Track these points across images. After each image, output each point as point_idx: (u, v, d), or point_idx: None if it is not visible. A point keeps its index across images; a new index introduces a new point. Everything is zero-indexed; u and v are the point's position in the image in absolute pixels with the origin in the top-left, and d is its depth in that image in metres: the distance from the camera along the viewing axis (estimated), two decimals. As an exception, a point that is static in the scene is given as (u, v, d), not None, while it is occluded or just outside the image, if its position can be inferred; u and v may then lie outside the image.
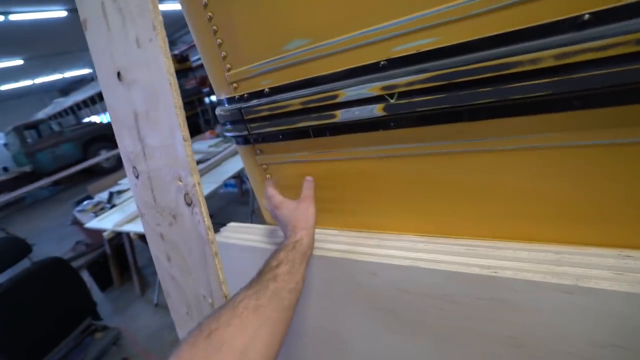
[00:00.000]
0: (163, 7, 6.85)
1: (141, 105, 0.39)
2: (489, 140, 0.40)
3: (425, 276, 0.45)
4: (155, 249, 0.49)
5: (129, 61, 0.38)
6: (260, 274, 0.42)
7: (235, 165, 2.36)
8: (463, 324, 0.43)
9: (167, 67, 0.34)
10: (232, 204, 3.69)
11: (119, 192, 2.38)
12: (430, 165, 0.45)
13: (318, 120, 0.48)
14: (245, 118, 0.55)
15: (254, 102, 0.53)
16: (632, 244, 0.37)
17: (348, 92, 0.44)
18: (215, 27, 0.51)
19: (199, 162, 2.58)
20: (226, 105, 0.58)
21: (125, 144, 0.45)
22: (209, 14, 0.51)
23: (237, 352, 0.33)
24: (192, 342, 0.33)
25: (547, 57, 0.32)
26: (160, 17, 0.34)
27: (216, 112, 0.61)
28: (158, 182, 0.42)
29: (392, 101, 0.41)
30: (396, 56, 0.40)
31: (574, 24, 0.31)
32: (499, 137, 0.39)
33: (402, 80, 0.40)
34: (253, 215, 3.13)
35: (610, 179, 0.36)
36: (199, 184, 0.37)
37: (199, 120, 7.19)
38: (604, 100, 0.32)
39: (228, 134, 0.61)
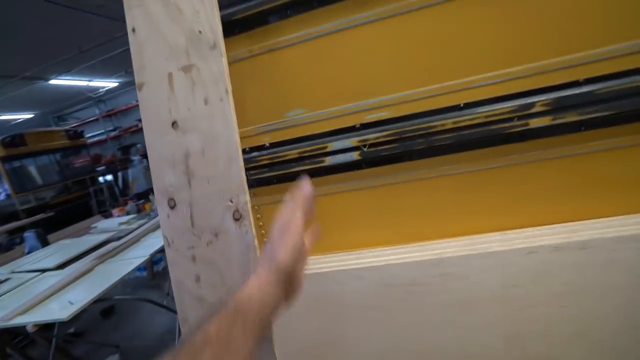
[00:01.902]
0: (56, 82, 6.31)
1: (197, 146, 0.50)
2: (422, 172, 0.63)
3: (396, 270, 0.61)
4: (180, 273, 0.53)
5: (190, 114, 0.50)
6: (175, 355, 0.30)
7: (154, 240, 2.18)
8: (427, 299, 0.60)
9: (233, 118, 0.48)
10: (141, 290, 3.19)
11: (-5, 283, 1.87)
12: (390, 192, 0.65)
13: (310, 165, 0.65)
14: (245, 167, 0.68)
15: (255, 154, 0.67)
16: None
17: (335, 144, 0.63)
18: (227, 99, 0.66)
19: (109, 241, 2.28)
20: None
21: (165, 179, 0.52)
22: (223, 89, 0.66)
23: None
24: None
25: (448, 123, 0.59)
26: (230, 85, 0.49)
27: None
28: (202, 206, 0.51)
29: (365, 150, 0.62)
30: (367, 122, 0.62)
31: (457, 107, 0.59)
32: (427, 169, 0.63)
33: (371, 136, 0.61)
34: (168, 298, 2.77)
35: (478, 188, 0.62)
36: (249, 201, 0.48)
37: (90, 201, 6.23)
38: (474, 145, 0.59)
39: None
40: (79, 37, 4.95)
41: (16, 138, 5.57)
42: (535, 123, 0.56)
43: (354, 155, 0.63)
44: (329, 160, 0.64)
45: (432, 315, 0.60)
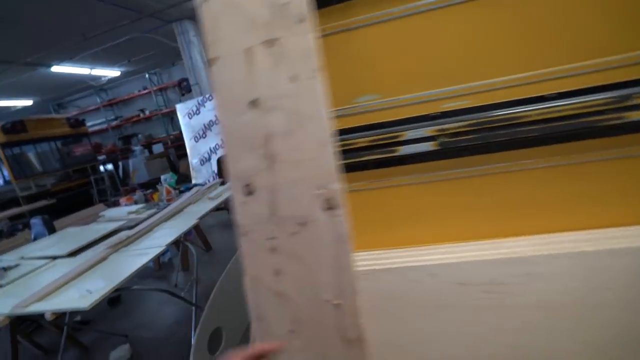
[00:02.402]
0: (58, 69, 6.17)
1: (280, 128, 0.45)
2: (501, 165, 0.59)
3: (472, 268, 0.57)
4: (256, 267, 0.48)
5: (273, 92, 0.45)
6: None
7: (168, 231, 2.11)
8: (507, 300, 0.56)
9: (321, 97, 0.43)
10: (147, 280, 3.13)
11: (5, 269, 1.80)
12: (465, 186, 0.61)
13: (381, 154, 0.60)
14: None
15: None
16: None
17: (409, 133, 0.58)
18: (292, 81, 0.61)
19: (120, 230, 2.21)
20: None
21: (242, 163, 0.47)
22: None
23: None
24: None
25: (533, 114, 0.54)
26: (320, 61, 0.43)
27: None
28: (285, 193, 0.46)
29: (444, 140, 0.58)
30: (445, 110, 0.57)
31: (542, 98, 0.54)
32: (507, 162, 0.58)
33: (449, 125, 0.57)
34: (176, 289, 2.73)
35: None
36: (342, 189, 0.43)
37: (91, 190, 6.14)
38: (561, 139, 0.55)
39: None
40: (83, 24, 4.81)
41: (16, 124, 5.44)
42: (632, 116, 0.51)
43: (430, 146, 0.58)
44: (402, 150, 0.59)
45: (512, 317, 0.56)
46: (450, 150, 0.58)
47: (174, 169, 8.60)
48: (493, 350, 0.57)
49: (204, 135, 6.34)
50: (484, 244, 0.60)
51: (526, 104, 0.55)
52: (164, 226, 2.18)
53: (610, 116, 0.52)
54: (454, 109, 0.57)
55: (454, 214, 0.62)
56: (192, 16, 5.80)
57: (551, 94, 0.54)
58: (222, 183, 3.24)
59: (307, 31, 0.43)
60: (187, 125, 6.31)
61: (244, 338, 1.63)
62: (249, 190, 0.47)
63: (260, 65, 0.45)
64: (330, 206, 0.44)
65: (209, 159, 6.50)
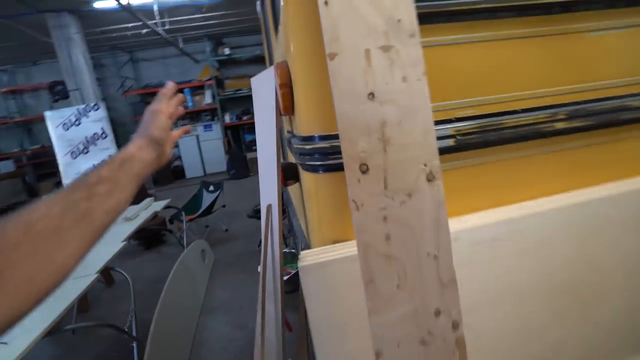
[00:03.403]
0: None
1: (393, 116, 0.55)
2: (495, 156, 0.82)
3: (481, 230, 0.77)
4: (368, 236, 0.54)
5: (388, 89, 0.55)
6: (73, 188, 0.38)
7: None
8: (500, 250, 0.78)
9: (426, 96, 0.56)
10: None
11: None
12: (475, 171, 0.81)
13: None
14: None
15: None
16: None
17: (438, 132, 0.76)
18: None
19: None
20: None
21: (358, 144, 0.54)
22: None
23: (22, 278, 0.30)
24: None
25: (510, 122, 0.80)
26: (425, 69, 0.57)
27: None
28: (396, 170, 0.55)
29: (459, 137, 0.77)
30: (459, 116, 0.77)
31: (515, 111, 0.81)
32: (499, 154, 0.82)
33: (462, 127, 0.77)
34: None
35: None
36: (439, 164, 0.57)
37: None
38: (526, 138, 0.83)
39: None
40: None
41: None
42: (558, 125, 0.83)
43: (450, 142, 0.77)
44: (433, 145, 0.76)
45: (506, 263, 0.78)
46: (463, 145, 0.79)
47: (32, 192, 6.81)
48: (495, 287, 0.78)
49: (85, 151, 5.28)
50: (486, 213, 0.81)
51: (507, 115, 0.80)
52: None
53: (548, 125, 0.82)
54: (465, 115, 0.78)
55: (467, 193, 0.82)
56: (74, 9, 4.88)
57: (519, 109, 0.81)
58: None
59: (417, 44, 0.56)
60: (61, 137, 5.14)
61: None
62: (364, 169, 0.55)
63: (376, 65, 0.55)
64: (431, 178, 0.56)
65: (93, 178, 5.39)
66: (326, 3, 0.54)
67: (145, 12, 4.84)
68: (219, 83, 7.94)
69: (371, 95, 0.55)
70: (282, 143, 1.34)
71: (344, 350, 0.74)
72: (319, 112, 0.75)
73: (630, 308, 0.89)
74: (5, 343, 1.01)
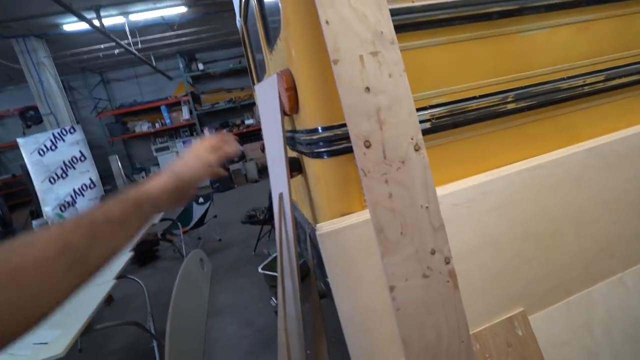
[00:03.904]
0: None
1: (385, 103, 0.73)
2: (463, 135, 1.01)
3: (458, 194, 0.96)
4: (376, 195, 0.71)
5: (379, 83, 0.73)
6: (76, 225, 0.36)
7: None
8: (475, 209, 0.96)
9: (407, 86, 0.74)
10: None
11: None
12: (449, 148, 1.00)
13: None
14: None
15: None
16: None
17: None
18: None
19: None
20: (341, 127, 0.90)
21: (361, 126, 0.71)
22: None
23: None
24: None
25: (473, 106, 1.00)
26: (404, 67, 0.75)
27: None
28: (391, 143, 0.72)
29: (434, 121, 0.96)
30: (433, 104, 0.96)
31: (474, 97, 1.01)
32: (464, 134, 1.01)
33: (436, 112, 0.96)
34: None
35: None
36: (422, 138, 0.74)
37: None
38: (485, 119, 1.03)
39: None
40: None
41: None
42: (509, 106, 1.03)
43: (428, 125, 0.96)
44: (414, 128, 0.94)
45: (481, 219, 0.97)
46: (437, 127, 0.97)
47: (4, 223, 6.50)
48: (472, 240, 0.96)
49: (63, 175, 5.18)
50: (462, 181, 1.00)
51: (469, 101, 1.00)
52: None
53: (501, 106, 1.03)
54: (437, 103, 0.97)
55: (444, 166, 1.00)
56: (42, 34, 4.82)
57: (477, 95, 1.01)
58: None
59: (396, 49, 0.74)
60: (37, 164, 5.03)
61: None
62: (367, 145, 0.72)
63: (369, 66, 0.72)
64: (417, 148, 0.73)
65: (74, 204, 5.31)
66: (327, 22, 0.71)
67: (116, 32, 4.85)
68: (195, 98, 7.96)
69: (367, 89, 0.72)
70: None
71: (359, 299, 0.89)
72: (321, 108, 0.92)
73: (581, 248, 1.10)
74: (46, 343, 1.07)
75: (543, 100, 1.06)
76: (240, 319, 2.31)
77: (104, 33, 4.28)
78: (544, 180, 1.06)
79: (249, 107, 8.27)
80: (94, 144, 7.18)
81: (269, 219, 3.32)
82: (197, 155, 0.55)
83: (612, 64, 1.12)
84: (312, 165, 1.02)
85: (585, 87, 1.10)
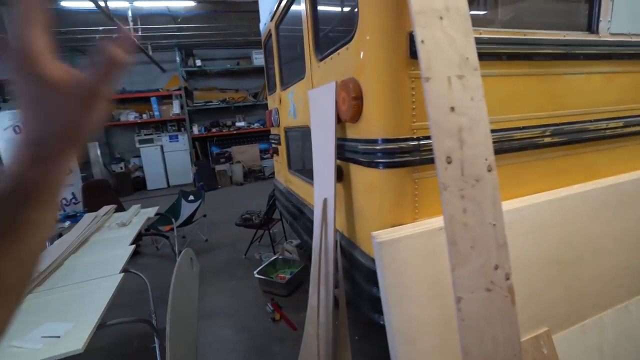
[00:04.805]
0: None
1: (466, 124, 0.77)
2: (507, 160, 1.08)
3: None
4: (453, 208, 0.74)
5: (462, 105, 0.77)
6: None
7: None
8: (511, 231, 1.03)
9: (485, 111, 0.80)
10: None
11: None
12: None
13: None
14: (416, 148, 0.94)
15: (425, 141, 0.95)
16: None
17: (472, 139, 1.00)
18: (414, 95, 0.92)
19: None
20: (403, 141, 0.94)
21: (445, 143, 0.75)
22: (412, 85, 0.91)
23: None
24: None
25: (517, 135, 1.07)
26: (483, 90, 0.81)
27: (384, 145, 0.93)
28: (468, 162, 0.77)
29: (484, 144, 1.02)
30: (485, 129, 1.03)
31: (519, 128, 1.09)
32: (507, 160, 1.09)
33: (487, 137, 1.03)
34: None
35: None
36: (494, 159, 0.79)
37: None
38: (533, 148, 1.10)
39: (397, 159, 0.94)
40: None
41: None
42: (546, 139, 1.12)
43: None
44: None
45: (517, 241, 1.03)
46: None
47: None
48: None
49: (39, 156, 4.81)
50: (504, 203, 1.06)
51: (514, 130, 1.07)
52: (79, 258, 1.69)
53: (539, 138, 1.11)
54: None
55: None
56: None
57: (521, 126, 1.08)
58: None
59: (478, 75, 0.79)
60: (10, 142, 4.65)
61: None
62: (449, 161, 0.75)
63: (455, 88, 0.77)
64: (490, 169, 0.78)
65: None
66: (422, 41, 0.75)
67: (117, 17, 4.69)
68: (188, 94, 7.77)
69: (452, 108, 0.76)
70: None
71: (408, 309, 0.91)
72: (385, 121, 0.95)
73: (596, 276, 1.20)
74: (58, 337, 0.99)
75: (573, 138, 1.16)
76: (234, 323, 2.22)
77: (107, 15, 4.13)
78: (569, 210, 1.15)
79: (242, 109, 8.18)
80: (73, 127, 6.76)
81: (264, 223, 3.27)
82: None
83: (630, 112, 1.25)
84: (364, 174, 1.04)
85: (608, 131, 1.21)
